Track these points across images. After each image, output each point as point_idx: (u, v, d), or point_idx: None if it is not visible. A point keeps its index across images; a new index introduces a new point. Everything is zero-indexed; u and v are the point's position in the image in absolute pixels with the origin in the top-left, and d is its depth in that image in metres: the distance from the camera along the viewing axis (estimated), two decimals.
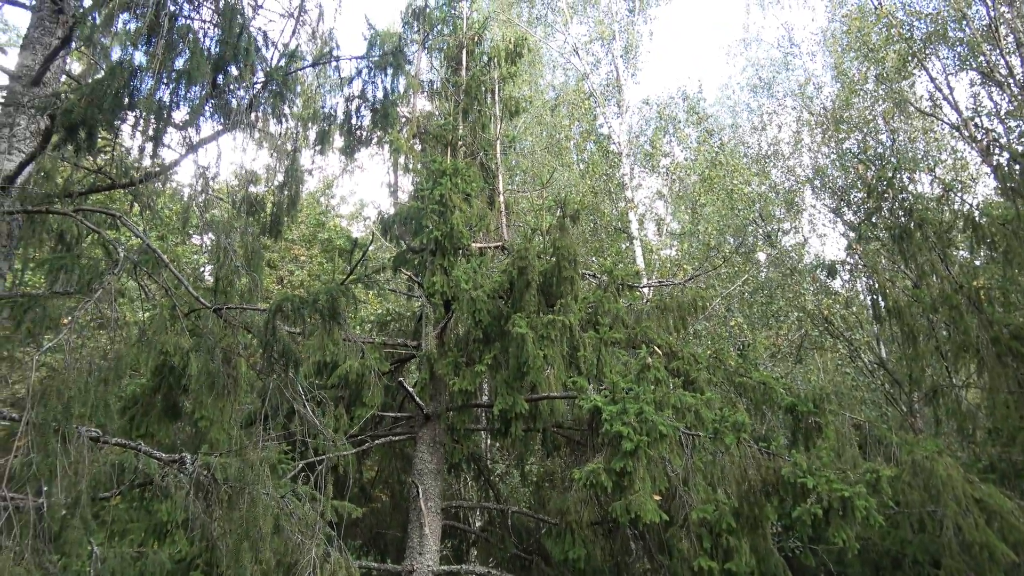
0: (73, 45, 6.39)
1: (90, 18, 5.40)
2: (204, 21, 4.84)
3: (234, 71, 4.65)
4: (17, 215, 5.85)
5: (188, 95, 4.44)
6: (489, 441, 13.58)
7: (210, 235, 5.64)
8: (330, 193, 29.06)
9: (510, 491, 12.85)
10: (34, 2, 7.13)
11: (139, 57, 4.57)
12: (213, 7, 4.65)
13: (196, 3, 4.70)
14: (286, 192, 5.93)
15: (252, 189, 6.08)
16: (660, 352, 8.78)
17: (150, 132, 4.44)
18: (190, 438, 9.20)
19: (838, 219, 19.75)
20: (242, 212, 5.93)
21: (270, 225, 6.00)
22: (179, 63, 4.48)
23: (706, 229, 15.83)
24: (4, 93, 6.72)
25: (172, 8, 4.47)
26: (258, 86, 5.32)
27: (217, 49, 4.53)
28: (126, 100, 4.37)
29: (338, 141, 11.85)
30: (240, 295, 5.88)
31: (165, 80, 4.42)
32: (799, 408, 8.89)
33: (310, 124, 8.21)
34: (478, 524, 11.66)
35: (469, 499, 12.29)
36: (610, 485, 6.95)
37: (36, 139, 6.13)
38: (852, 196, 19.09)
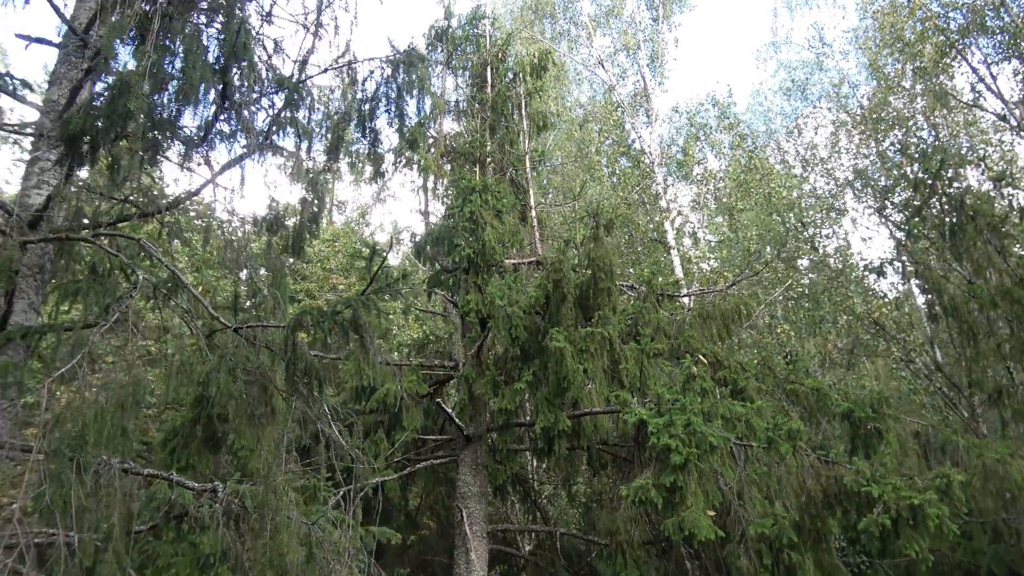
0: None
1: (112, 46, 5.37)
2: (203, 24, 4.77)
3: (236, 77, 4.55)
4: (48, 249, 5.82)
5: (190, 100, 4.33)
6: (535, 462, 13.27)
7: (229, 253, 5.54)
8: (364, 221, 29.31)
9: (558, 513, 12.50)
10: (61, 39, 7.19)
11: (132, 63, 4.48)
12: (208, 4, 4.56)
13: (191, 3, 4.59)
14: (308, 209, 5.81)
15: (276, 209, 5.98)
16: (705, 361, 8.44)
17: (149, 141, 4.35)
18: (232, 469, 9.11)
19: (883, 220, 19.14)
20: (264, 230, 5.83)
21: (293, 242, 5.88)
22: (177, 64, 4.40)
23: (745, 235, 15.41)
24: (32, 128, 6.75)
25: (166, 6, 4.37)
26: (277, 103, 5.23)
27: (218, 50, 4.44)
28: (123, 109, 4.28)
29: (367, 169, 11.83)
30: (264, 315, 5.74)
31: (164, 86, 4.33)
32: (856, 414, 8.44)
33: (338, 150, 8.17)
34: (527, 548, 11.33)
35: (516, 522, 11.98)
36: (660, 501, 6.62)
37: (63, 171, 6.13)
38: (896, 195, 18.49)
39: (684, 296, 11.44)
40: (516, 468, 11.13)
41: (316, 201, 5.85)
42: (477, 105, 12.65)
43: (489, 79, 12.82)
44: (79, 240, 5.08)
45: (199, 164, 5.18)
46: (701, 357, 8.47)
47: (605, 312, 9.01)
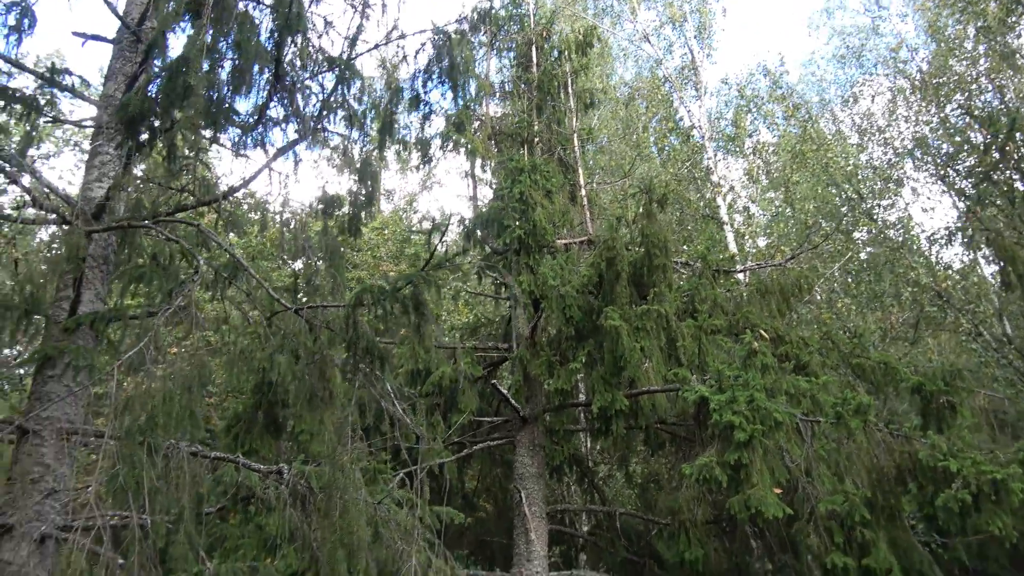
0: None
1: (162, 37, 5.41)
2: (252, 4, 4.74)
3: (289, 55, 4.52)
4: (111, 240, 5.93)
5: (244, 80, 4.32)
6: (590, 443, 13.19)
7: (287, 234, 5.55)
8: (412, 209, 29.47)
9: (615, 493, 12.40)
10: (115, 35, 7.31)
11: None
12: None
13: None
14: (364, 186, 5.78)
15: (329, 191, 5.98)
16: (767, 336, 8.21)
17: (209, 119, 4.34)
18: (293, 453, 9.26)
19: (946, 188, 18.38)
20: (320, 213, 5.83)
21: (349, 223, 5.87)
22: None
23: (802, 208, 14.95)
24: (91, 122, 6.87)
25: None
26: (327, 85, 5.21)
27: (271, 23, 4.42)
28: (183, 86, 4.29)
29: (414, 156, 11.79)
30: (322, 297, 5.74)
31: (220, 64, 4.33)
32: (928, 387, 8.10)
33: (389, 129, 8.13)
34: (585, 528, 11.28)
35: (573, 503, 11.93)
36: (724, 479, 6.47)
37: (122, 163, 6.23)
38: (960, 162, 17.72)
39: (740, 271, 11.16)
40: (572, 449, 11.06)
41: (371, 181, 5.83)
42: (523, 85, 12.51)
43: (534, 58, 12.66)
44: (141, 227, 5.16)
45: (254, 148, 5.20)
46: (762, 332, 8.24)
47: (661, 289, 8.84)
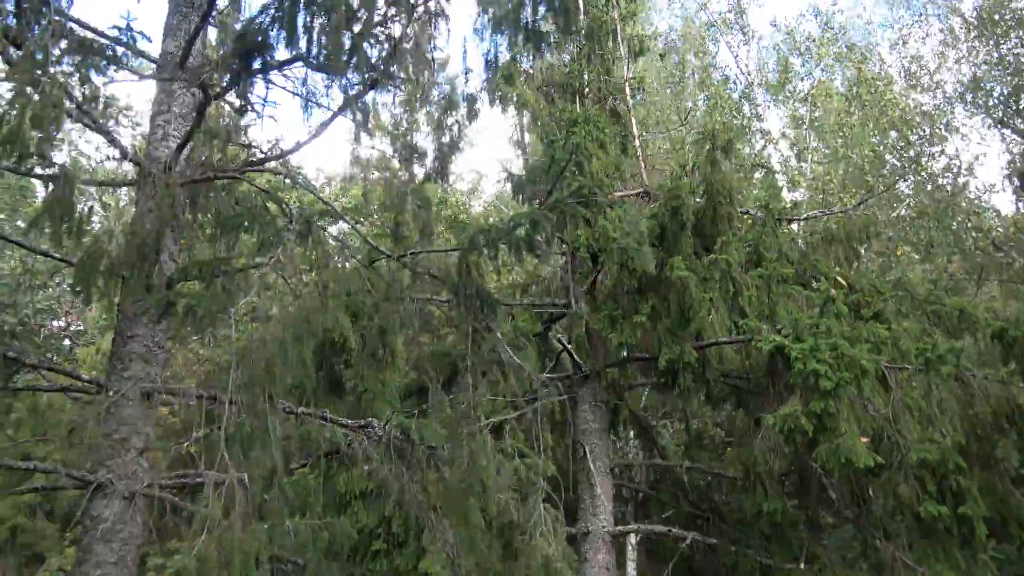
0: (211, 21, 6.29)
1: None
2: None
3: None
4: (182, 197, 5.82)
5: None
6: (647, 399, 13.06)
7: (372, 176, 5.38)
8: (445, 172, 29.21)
9: (676, 447, 12.31)
10: None
11: None
12: None
13: None
14: (447, 131, 5.58)
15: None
16: (845, 283, 7.95)
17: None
18: (354, 413, 9.27)
19: (1004, 130, 17.65)
20: (404, 158, 5.66)
21: (440, 166, 5.67)
22: None
23: (860, 152, 14.44)
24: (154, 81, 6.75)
25: None
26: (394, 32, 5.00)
27: None
28: (252, 41, 4.08)
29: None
30: (413, 245, 5.60)
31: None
32: (1011, 333, 7.81)
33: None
34: (646, 483, 11.22)
35: (635, 458, 11.87)
36: (810, 429, 6.30)
37: (189, 121, 6.11)
38: (1021, 103, 16.97)
39: (803, 219, 10.83)
40: (634, 404, 10.96)
41: (456, 124, 5.62)
42: (572, 34, 12.11)
43: (582, 5, 12.24)
44: (227, 177, 5.06)
45: (325, 94, 5.03)
46: (839, 279, 7.97)
47: (730, 237, 8.58)
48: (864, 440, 6.36)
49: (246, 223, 4.27)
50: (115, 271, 3.64)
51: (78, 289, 4.04)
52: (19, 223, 20.76)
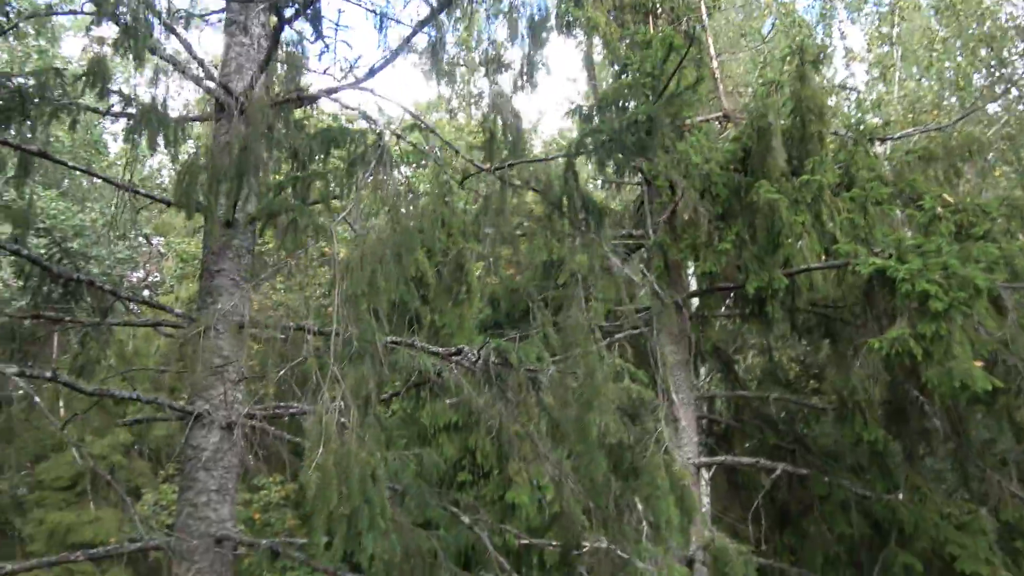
0: None
1: None
2: None
3: None
4: (270, 114, 5.68)
5: None
6: (723, 331, 12.72)
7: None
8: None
9: (759, 378, 12.01)
10: None
11: None
12: None
13: None
14: (530, 48, 5.29)
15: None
16: (951, 201, 7.42)
17: None
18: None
19: None
20: (490, 72, 5.43)
21: (527, 73, 5.41)
22: None
23: (955, 66, 13.42)
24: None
25: None
26: None
27: None
28: None
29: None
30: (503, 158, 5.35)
31: None
32: None
33: None
34: (727, 416, 11.00)
35: (718, 389, 11.64)
36: (919, 353, 5.94)
37: (262, 51, 5.96)
38: None
39: (895, 138, 10.16)
40: (717, 334, 10.68)
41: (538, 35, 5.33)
42: None
43: None
44: (311, 98, 4.93)
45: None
46: (945, 197, 7.44)
47: (820, 157, 8.09)
48: (978, 364, 5.98)
49: (338, 139, 4.12)
50: (214, 182, 3.56)
51: (180, 202, 3.96)
52: (96, 182, 21.33)
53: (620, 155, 5.02)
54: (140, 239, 21.22)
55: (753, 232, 8.23)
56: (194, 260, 17.32)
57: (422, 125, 4.79)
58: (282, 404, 6.24)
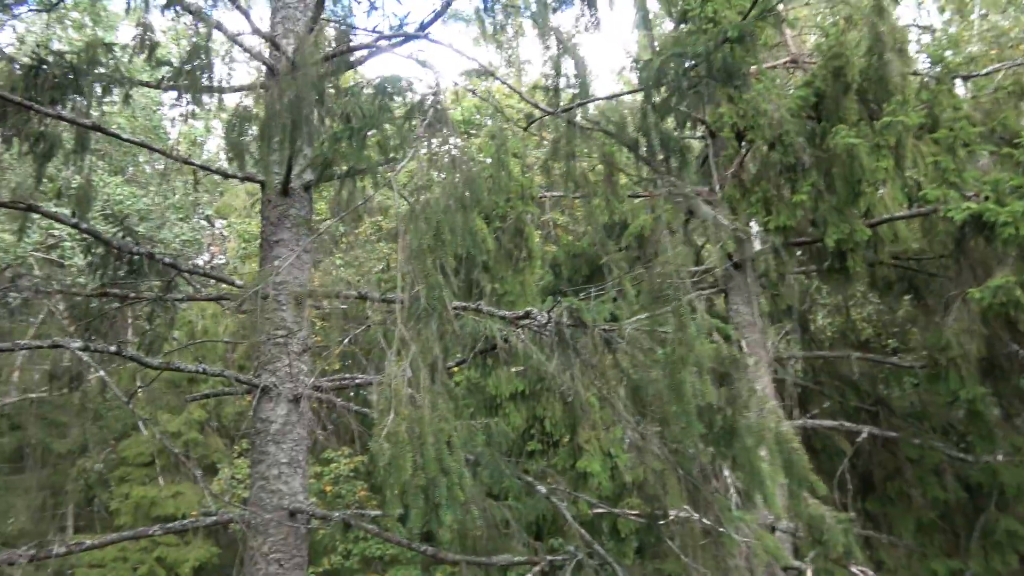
0: None
1: None
2: None
3: None
4: (323, 67, 5.50)
5: None
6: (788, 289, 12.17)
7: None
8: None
9: (831, 339, 11.48)
10: None
11: None
12: None
13: None
14: None
15: None
16: None
17: None
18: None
19: None
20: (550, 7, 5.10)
21: (590, 6, 5.06)
22: None
23: None
24: None
25: None
26: None
27: None
28: None
29: None
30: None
31: None
32: None
33: None
34: (803, 377, 10.55)
35: (792, 350, 11.17)
36: None
37: (310, 9, 5.77)
38: None
39: (983, 74, 9.40)
40: (789, 292, 10.18)
41: None
42: None
43: None
44: (364, 47, 4.74)
45: None
46: None
47: (906, 96, 7.51)
48: None
49: (393, 89, 3.90)
50: (268, 133, 3.40)
51: (231, 151, 3.81)
52: (159, 165, 21.78)
53: (706, 83, 4.63)
54: (202, 222, 21.62)
55: (830, 182, 7.74)
56: (255, 240, 17.56)
57: (482, 71, 4.52)
58: (347, 376, 6.15)
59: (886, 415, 9.46)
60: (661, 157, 4.78)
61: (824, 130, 7.93)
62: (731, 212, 9.08)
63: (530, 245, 8.68)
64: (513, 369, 7.25)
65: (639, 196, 9.71)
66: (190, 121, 20.24)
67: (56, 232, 13.85)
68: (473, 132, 14.52)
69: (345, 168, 3.51)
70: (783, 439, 3.52)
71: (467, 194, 3.66)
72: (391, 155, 3.60)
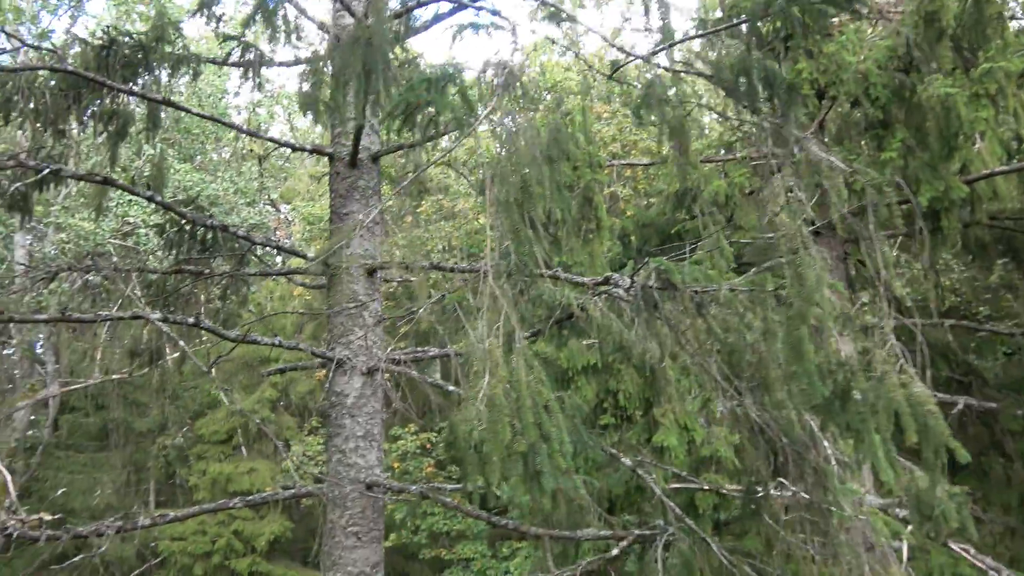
0: None
1: None
2: None
3: None
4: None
5: None
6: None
7: None
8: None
9: (918, 307, 10.89)
10: None
11: None
12: None
13: None
14: None
15: None
16: None
17: None
18: None
19: None
20: None
21: None
22: None
23: None
24: None
25: None
26: None
27: None
28: None
29: None
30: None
31: None
32: None
33: None
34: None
35: (878, 319, 10.64)
36: None
37: None
38: None
39: None
40: (876, 257, 9.67)
41: None
42: None
43: None
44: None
45: None
46: None
47: (1005, 41, 6.94)
48: None
49: (473, 25, 3.72)
50: (341, 80, 3.28)
51: (305, 104, 3.70)
52: (225, 152, 22.27)
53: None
54: (268, 207, 22.01)
55: (922, 136, 7.24)
56: (320, 222, 17.79)
57: (563, 15, 4.29)
58: (419, 348, 6.06)
59: (979, 386, 8.93)
60: (764, 96, 4.45)
61: (915, 82, 7.42)
62: (811, 173, 8.64)
63: (599, 215, 8.41)
64: (585, 342, 7.07)
65: (712, 161, 9.34)
66: (253, 109, 20.57)
67: (131, 219, 14.28)
68: (548, 90, 14.26)
69: (427, 116, 3.35)
70: (917, 401, 3.23)
71: (554, 146, 3.46)
72: (473, 108, 3.42)
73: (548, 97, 11.58)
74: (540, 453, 2.73)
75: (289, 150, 21.57)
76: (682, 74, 4.75)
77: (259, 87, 6.05)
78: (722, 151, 10.54)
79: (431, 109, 3.37)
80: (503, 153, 3.41)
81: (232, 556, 16.06)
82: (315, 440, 16.14)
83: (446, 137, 6.66)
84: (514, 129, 3.35)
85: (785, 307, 3.29)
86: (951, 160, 7.06)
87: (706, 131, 13.70)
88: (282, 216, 23.83)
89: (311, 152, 5.73)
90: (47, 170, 4.25)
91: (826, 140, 8.44)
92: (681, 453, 7.65)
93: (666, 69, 4.51)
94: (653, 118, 4.08)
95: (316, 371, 17.59)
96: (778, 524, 3.91)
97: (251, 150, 19.37)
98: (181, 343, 4.20)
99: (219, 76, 17.63)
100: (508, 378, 2.81)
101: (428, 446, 15.66)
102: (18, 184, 4.21)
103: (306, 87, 3.71)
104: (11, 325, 15.37)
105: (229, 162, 21.08)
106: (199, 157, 21.21)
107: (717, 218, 9.07)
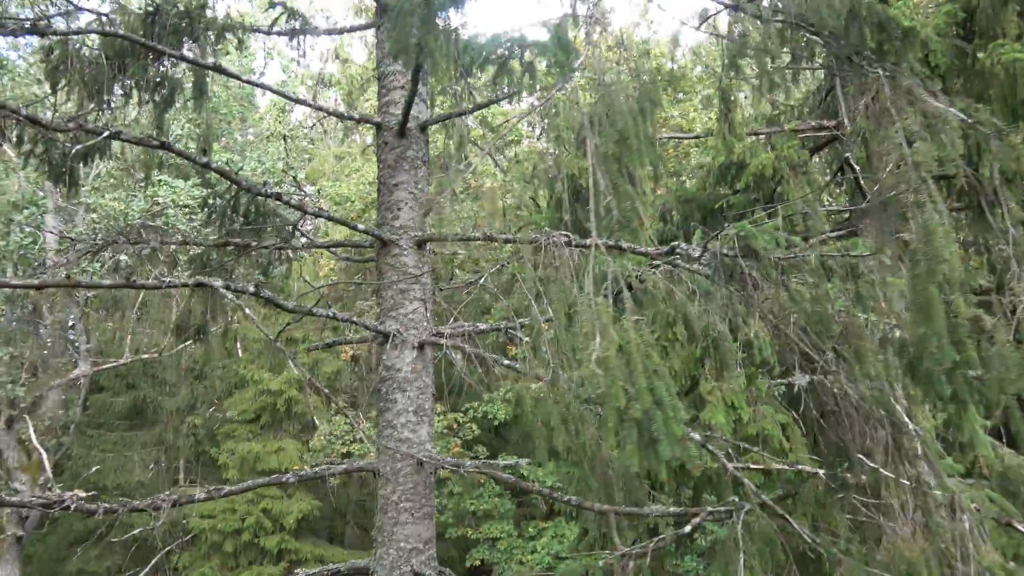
0: None
1: None
2: None
3: None
4: None
5: None
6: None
7: None
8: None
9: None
10: None
11: None
12: None
13: None
14: None
15: None
16: None
17: None
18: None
19: None
20: None
21: None
22: None
23: None
24: None
25: None
26: None
27: None
28: None
29: None
30: None
31: None
32: None
33: None
34: None
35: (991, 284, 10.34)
36: None
37: None
38: None
39: None
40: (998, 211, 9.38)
41: None
42: None
43: None
44: None
45: None
46: None
47: None
48: None
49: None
50: (429, 18, 3.11)
51: (396, 47, 3.50)
52: (250, 135, 22.20)
53: None
54: (292, 187, 21.96)
55: (984, 105, 6.95)
56: (347, 202, 17.71)
57: None
58: (468, 324, 5.93)
59: None
60: (874, 46, 4.23)
61: (976, 49, 7.13)
62: (864, 146, 8.38)
63: (643, 187, 8.21)
64: (635, 318, 6.89)
65: (758, 134, 9.07)
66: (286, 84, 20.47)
67: (160, 199, 14.24)
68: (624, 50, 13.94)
69: (523, 66, 3.17)
70: None
71: (646, 99, 3.28)
72: (570, 53, 3.24)
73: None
74: (655, 419, 2.58)
75: (311, 128, 21.43)
76: (776, 23, 4.51)
77: (303, 56, 5.91)
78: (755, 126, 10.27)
79: (527, 56, 3.18)
80: (598, 105, 3.24)
81: (261, 534, 16.16)
82: (341, 420, 16.14)
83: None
84: (608, 80, 3.18)
85: (911, 264, 3.10)
86: (1017, 127, 6.77)
87: (748, 105, 13.38)
88: (308, 196, 23.80)
89: (358, 121, 5.59)
90: (107, 133, 4.14)
91: (878, 111, 8.14)
92: (728, 432, 7.46)
93: (757, 18, 4.29)
94: (749, 71, 3.86)
95: (343, 351, 17.60)
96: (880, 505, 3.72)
97: (276, 131, 19.33)
98: (248, 311, 4.08)
99: (245, 56, 17.58)
100: (623, 338, 2.65)
101: (455, 426, 15.60)
102: (79, 146, 4.09)
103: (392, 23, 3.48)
104: (44, 306, 15.45)
105: (254, 143, 21.06)
106: (224, 139, 21.20)
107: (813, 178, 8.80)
